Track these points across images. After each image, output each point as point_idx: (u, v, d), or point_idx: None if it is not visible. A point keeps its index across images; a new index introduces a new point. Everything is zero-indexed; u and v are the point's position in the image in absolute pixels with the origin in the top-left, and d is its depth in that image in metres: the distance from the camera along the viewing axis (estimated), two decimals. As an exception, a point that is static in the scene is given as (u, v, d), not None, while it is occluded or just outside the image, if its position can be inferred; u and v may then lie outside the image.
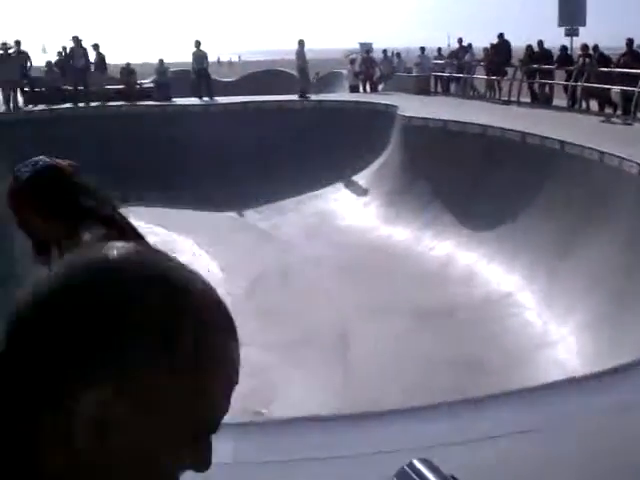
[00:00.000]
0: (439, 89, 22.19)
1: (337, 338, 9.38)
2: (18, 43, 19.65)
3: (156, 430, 0.61)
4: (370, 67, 24.14)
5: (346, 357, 8.81)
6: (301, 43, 20.91)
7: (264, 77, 33.47)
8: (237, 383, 0.66)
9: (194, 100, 20.39)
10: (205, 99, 20.37)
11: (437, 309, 9.92)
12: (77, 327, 0.59)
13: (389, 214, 14.06)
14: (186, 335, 0.61)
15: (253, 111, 18.96)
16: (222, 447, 3.49)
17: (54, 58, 20.63)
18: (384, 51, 25.88)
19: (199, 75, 20.79)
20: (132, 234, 2.36)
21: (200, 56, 20.76)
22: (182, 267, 0.65)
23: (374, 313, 9.95)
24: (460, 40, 22.20)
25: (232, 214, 15.51)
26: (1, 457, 0.59)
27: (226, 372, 0.65)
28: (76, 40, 20.12)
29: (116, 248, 0.64)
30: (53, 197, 2.29)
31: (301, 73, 21.23)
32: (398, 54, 26.58)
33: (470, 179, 12.73)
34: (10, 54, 18.79)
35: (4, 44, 19.11)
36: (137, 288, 0.61)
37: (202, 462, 0.65)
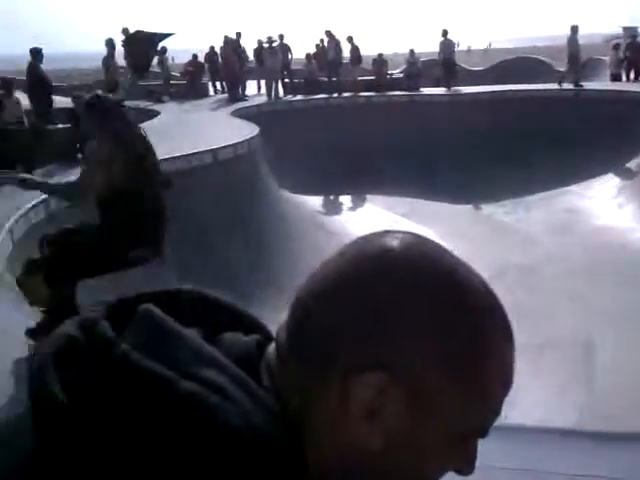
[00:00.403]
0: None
1: (581, 344, 8.77)
2: (281, 37, 21.11)
3: (427, 430, 0.59)
4: (636, 53, 21.98)
5: (589, 367, 8.20)
6: (574, 29, 19.56)
7: (514, 65, 32.21)
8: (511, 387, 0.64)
9: (440, 90, 20.27)
10: (450, 89, 20.15)
11: None
12: (365, 311, 0.59)
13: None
14: (469, 338, 0.60)
15: (501, 101, 18.34)
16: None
17: (312, 51, 21.76)
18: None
19: (445, 65, 20.60)
20: None
21: (447, 45, 20.52)
22: (465, 265, 0.64)
23: (624, 320, 9.13)
24: None
25: (472, 206, 15.20)
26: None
27: (504, 376, 0.63)
28: (329, 34, 21.08)
29: (400, 238, 0.63)
30: None
31: (572, 61, 19.87)
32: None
33: None
34: (274, 47, 20.25)
35: (269, 38, 20.64)
36: (426, 281, 0.60)
37: (467, 466, 0.64)
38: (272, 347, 0.65)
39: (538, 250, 12.07)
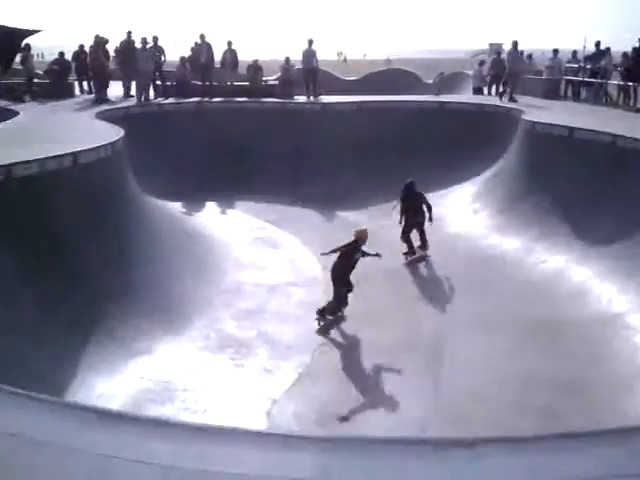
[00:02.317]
0: (569, 94, 21.07)
1: (434, 347, 9.17)
2: (155, 39, 20.66)
3: None
4: (501, 69, 23.32)
5: (441, 368, 8.58)
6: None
7: (386, 76, 33.32)
8: None
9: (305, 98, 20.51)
10: (311, 98, 20.43)
11: (542, 325, 9.48)
12: None
13: (500, 223, 13.52)
14: None
15: (367, 111, 18.87)
16: (303, 461, 3.45)
17: (187, 54, 21.44)
18: (521, 52, 24.87)
19: (307, 73, 20.81)
20: None
21: (309, 55, 20.70)
22: None
23: (475, 324, 9.67)
24: (598, 43, 20.94)
25: (336, 213, 15.52)
26: None
27: None
28: (201, 37, 20.90)
29: None
30: None
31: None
32: (529, 56, 25.49)
33: (592, 192, 11.97)
34: (147, 49, 19.77)
35: (144, 39, 20.14)
36: None
37: None
38: None
39: (399, 256, 12.49)
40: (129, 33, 20.24)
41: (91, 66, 19.64)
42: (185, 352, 8.71)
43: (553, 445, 4.32)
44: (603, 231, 11.04)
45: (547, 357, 8.60)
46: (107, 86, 19.50)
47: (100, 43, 19.64)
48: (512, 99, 19.52)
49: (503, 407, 7.54)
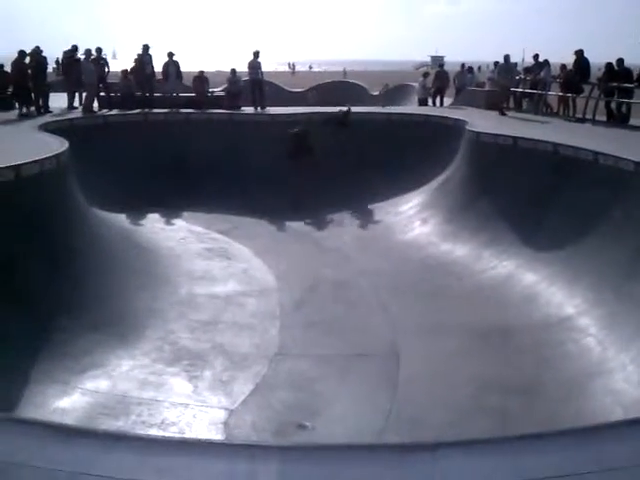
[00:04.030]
0: (511, 105, 21.65)
1: (388, 354, 9.22)
2: (99, 50, 20.38)
3: None
4: (444, 81, 23.84)
5: (395, 375, 8.64)
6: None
7: (333, 88, 33.65)
8: None
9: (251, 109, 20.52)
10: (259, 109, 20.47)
11: (492, 330, 9.64)
12: None
13: (449, 231, 13.75)
14: None
15: (316, 122, 18.98)
16: (264, 470, 3.39)
17: (129, 65, 21.18)
18: (462, 65, 25.52)
19: (253, 84, 20.90)
20: None
21: (254, 66, 20.82)
22: None
23: (427, 331, 9.77)
24: (536, 56, 21.61)
25: (287, 223, 15.54)
26: None
27: None
28: (145, 48, 20.70)
29: None
30: None
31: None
32: (470, 68, 26.16)
33: (536, 198, 12.34)
34: (90, 61, 19.47)
35: (87, 51, 19.83)
36: None
37: None
38: None
39: (350, 265, 12.57)
40: (74, 46, 19.91)
41: (14, 80, 19.02)
42: (139, 365, 8.53)
43: (511, 446, 4.41)
44: (549, 237, 11.37)
45: (500, 361, 8.75)
46: (30, 99, 18.86)
47: (33, 55, 19.11)
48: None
49: (458, 411, 7.64)
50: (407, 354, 9.15)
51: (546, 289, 10.50)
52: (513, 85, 21.02)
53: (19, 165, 10.32)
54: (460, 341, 9.38)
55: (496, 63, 23.18)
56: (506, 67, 20.61)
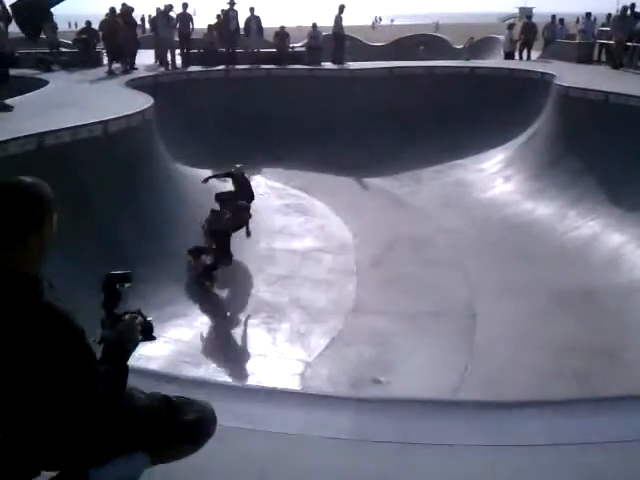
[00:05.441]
0: (603, 58, 20.55)
1: (466, 314, 9.13)
2: (185, 6, 20.45)
3: None
4: (531, 33, 22.82)
5: (473, 335, 8.56)
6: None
7: (415, 42, 32.84)
8: None
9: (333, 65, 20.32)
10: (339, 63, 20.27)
11: (575, 293, 9.36)
12: None
13: (534, 188, 13.32)
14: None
15: (397, 77, 18.63)
16: (340, 421, 3.47)
17: (211, 21, 21.27)
18: (552, 16, 24.33)
19: (336, 39, 20.68)
20: None
21: (337, 21, 20.61)
22: None
23: (507, 292, 9.58)
24: (632, 6, 20.32)
25: (366, 180, 15.44)
26: None
27: None
28: (231, 2, 20.69)
29: None
30: None
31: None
32: (561, 20, 24.90)
33: (627, 156, 11.75)
34: (170, 17, 19.66)
35: (170, 6, 19.99)
36: None
37: None
38: None
39: (429, 222, 12.43)
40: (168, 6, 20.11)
41: (104, 37, 19.42)
42: (219, 316, 8.81)
43: (594, 407, 4.33)
44: (639, 196, 10.85)
45: (581, 324, 8.52)
46: (125, 56, 19.26)
47: (123, 12, 19.48)
48: None
49: (536, 373, 7.52)
50: (485, 314, 9.04)
51: (633, 251, 10.08)
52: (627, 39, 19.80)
53: (107, 120, 10.65)
54: (540, 303, 9.17)
55: (588, 14, 22.03)
56: (622, 19, 19.46)
